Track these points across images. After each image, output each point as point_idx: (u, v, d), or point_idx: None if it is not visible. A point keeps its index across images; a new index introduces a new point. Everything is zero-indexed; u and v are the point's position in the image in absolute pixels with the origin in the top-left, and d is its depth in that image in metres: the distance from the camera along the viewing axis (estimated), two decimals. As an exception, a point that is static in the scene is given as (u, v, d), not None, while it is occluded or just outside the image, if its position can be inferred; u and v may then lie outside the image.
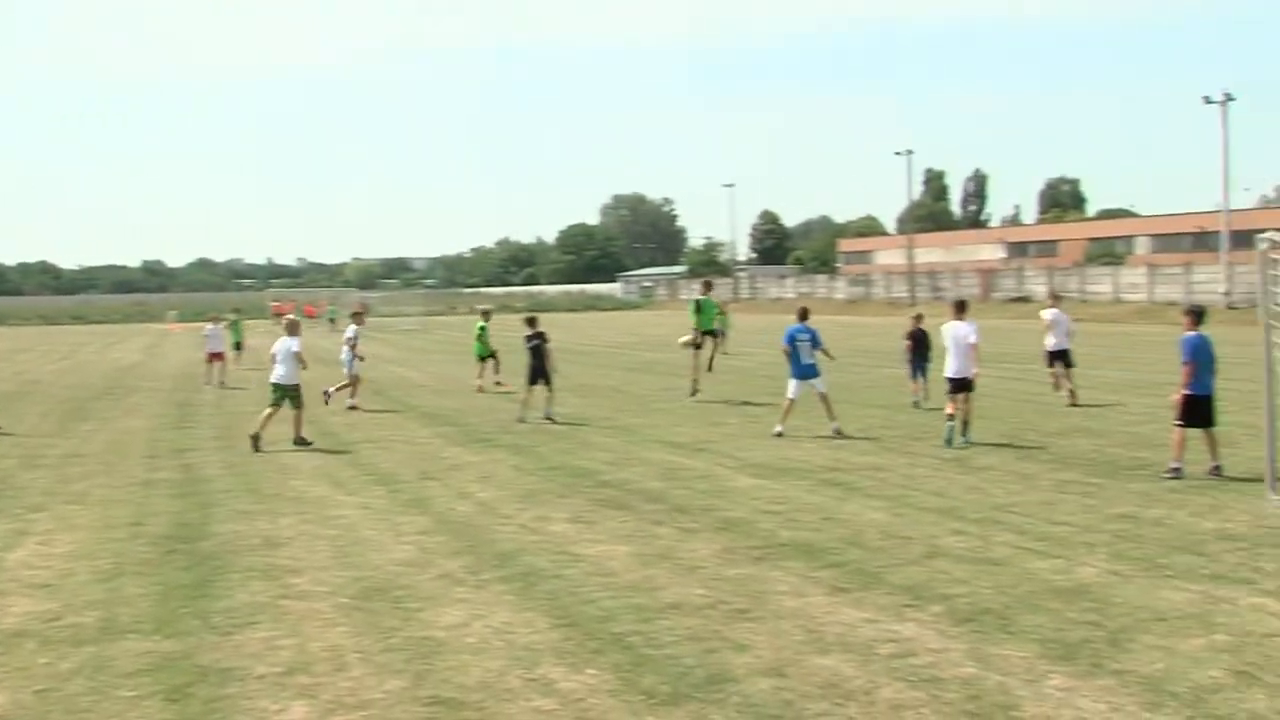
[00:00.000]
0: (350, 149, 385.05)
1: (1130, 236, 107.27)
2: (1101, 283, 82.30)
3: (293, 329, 21.42)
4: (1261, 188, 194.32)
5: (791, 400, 21.04)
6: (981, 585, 10.23)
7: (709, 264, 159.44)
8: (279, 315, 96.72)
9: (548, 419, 23.34)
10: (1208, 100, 67.55)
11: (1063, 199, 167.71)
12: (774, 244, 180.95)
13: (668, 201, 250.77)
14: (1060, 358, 25.12)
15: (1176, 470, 15.48)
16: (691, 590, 10.28)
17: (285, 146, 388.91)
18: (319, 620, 9.66)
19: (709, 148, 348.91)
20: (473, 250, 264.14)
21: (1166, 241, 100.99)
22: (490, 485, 16.18)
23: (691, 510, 13.99)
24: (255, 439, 20.21)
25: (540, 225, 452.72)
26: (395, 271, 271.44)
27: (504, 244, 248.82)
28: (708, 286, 31.43)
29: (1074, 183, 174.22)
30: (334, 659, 8.67)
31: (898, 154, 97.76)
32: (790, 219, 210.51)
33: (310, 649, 8.91)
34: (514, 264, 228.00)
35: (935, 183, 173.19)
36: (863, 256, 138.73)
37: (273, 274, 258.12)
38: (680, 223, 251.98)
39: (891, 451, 18.49)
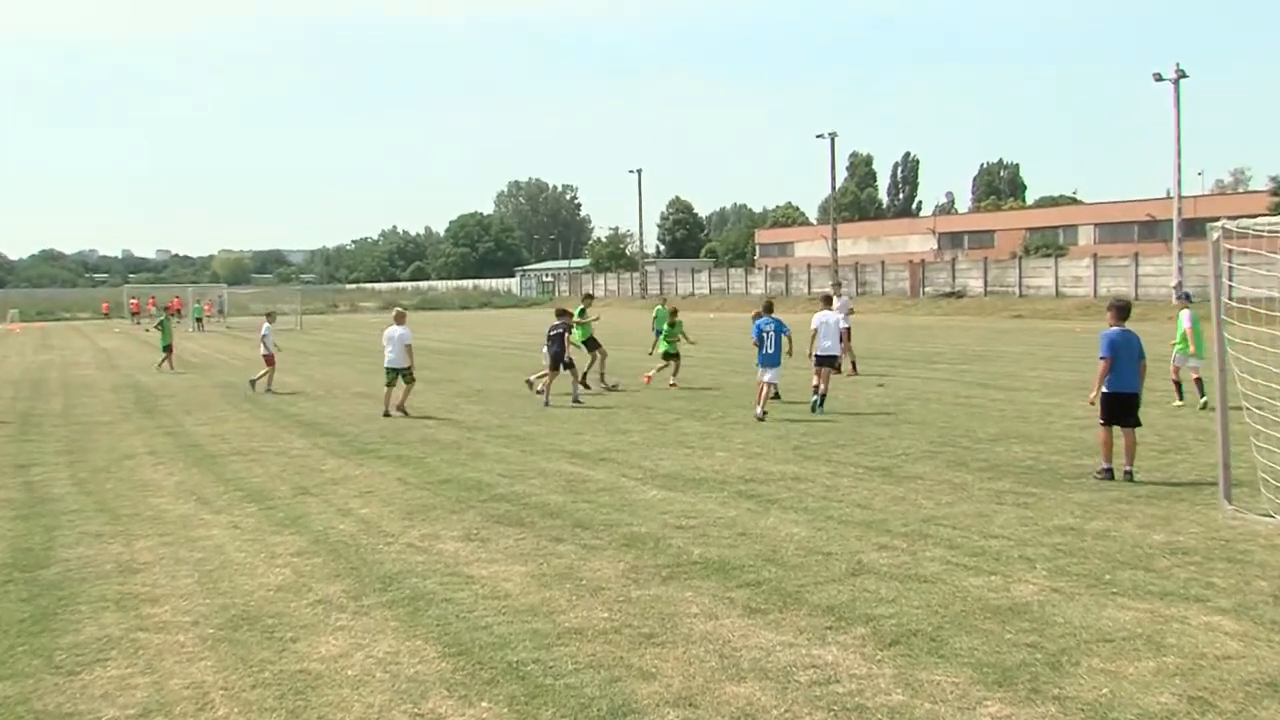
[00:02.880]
0: (217, 131, 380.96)
1: (1073, 226, 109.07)
2: (1042, 276, 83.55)
3: (400, 319, 26.56)
4: (1216, 172, 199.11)
5: (763, 383, 23.97)
6: (910, 605, 10.33)
7: (615, 257, 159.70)
8: (136, 314, 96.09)
9: (575, 400, 27.26)
10: (1159, 77, 68.70)
11: (1000, 185, 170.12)
12: (686, 235, 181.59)
13: (569, 189, 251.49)
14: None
15: (1107, 471, 16.07)
16: (594, 613, 10.27)
17: (143, 128, 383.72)
18: (180, 654, 9.51)
19: (615, 130, 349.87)
20: (355, 242, 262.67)
21: (1113, 231, 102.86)
22: (374, 501, 16.06)
23: (594, 526, 13.98)
24: (386, 414, 25.80)
25: (430, 215, 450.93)
26: (269, 265, 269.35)
27: (389, 235, 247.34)
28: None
29: (1012, 168, 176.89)
30: (196, 697, 8.54)
31: (820, 137, 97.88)
32: (703, 207, 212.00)
33: (169, 687, 8.77)
34: (401, 257, 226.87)
35: (861, 168, 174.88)
36: (782, 248, 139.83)
37: (130, 268, 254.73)
38: (584, 212, 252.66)
39: (812, 460, 18.60)
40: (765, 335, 23.80)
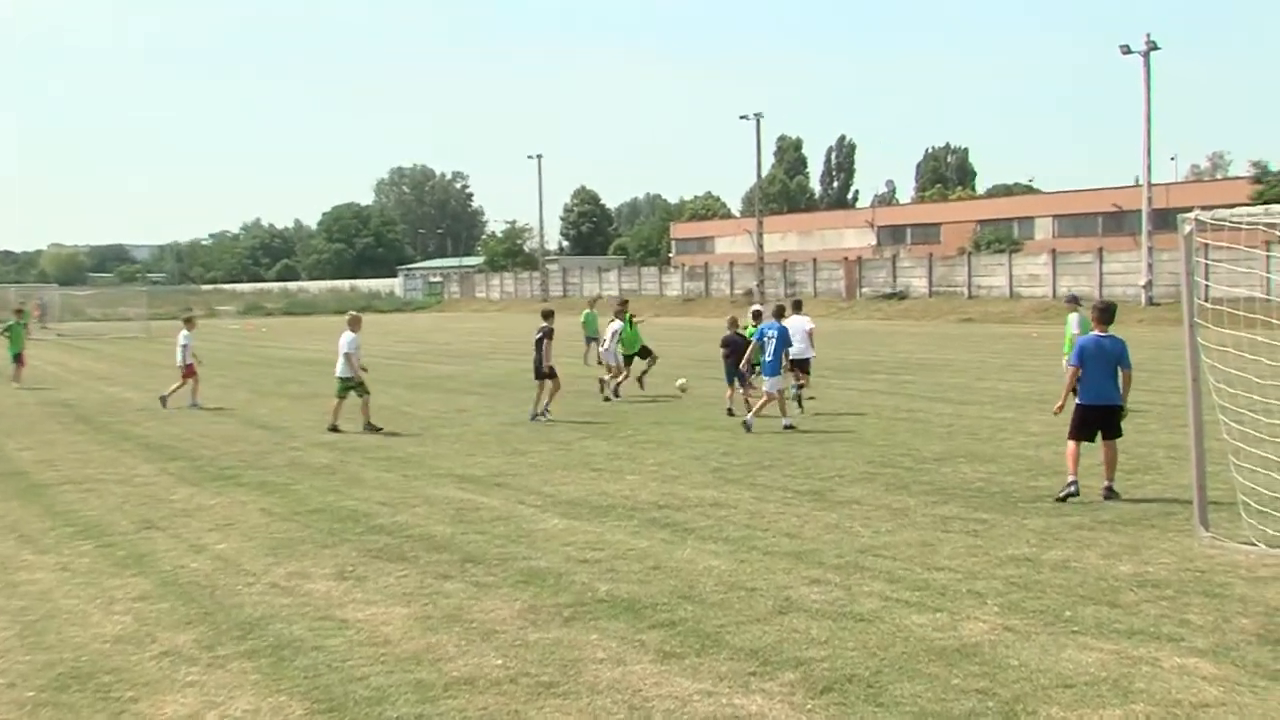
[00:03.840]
0: (46, 110, 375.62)
1: (1030, 218, 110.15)
2: (994, 274, 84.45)
3: (354, 325, 27.07)
4: (1191, 156, 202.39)
5: (769, 395, 25.09)
6: (844, 646, 10.37)
7: (512, 254, 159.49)
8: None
9: (541, 415, 27.58)
10: (1127, 50, 69.66)
11: (947, 173, 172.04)
12: (592, 229, 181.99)
13: (460, 176, 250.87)
14: (798, 366, 28.34)
15: (1073, 485, 16.50)
16: (486, 660, 10.22)
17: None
18: (-4, 719, 9.36)
19: (512, 111, 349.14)
20: (212, 237, 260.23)
21: (1074, 223, 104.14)
22: (233, 535, 15.89)
23: (487, 560, 13.95)
24: (333, 428, 26.33)
25: (299, 206, 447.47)
26: (108, 263, 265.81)
27: (252, 229, 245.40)
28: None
29: (961, 153, 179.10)
30: (17, 768, 8.41)
31: (744, 118, 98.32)
32: (612, 198, 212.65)
33: (-18, 759, 8.63)
34: (265, 254, 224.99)
35: (790, 154, 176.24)
36: (701, 244, 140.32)
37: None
38: (476, 203, 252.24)
39: (734, 484, 18.68)
40: (766, 341, 25.21)
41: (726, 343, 27.81)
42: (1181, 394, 15.83)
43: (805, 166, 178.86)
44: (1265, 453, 15.16)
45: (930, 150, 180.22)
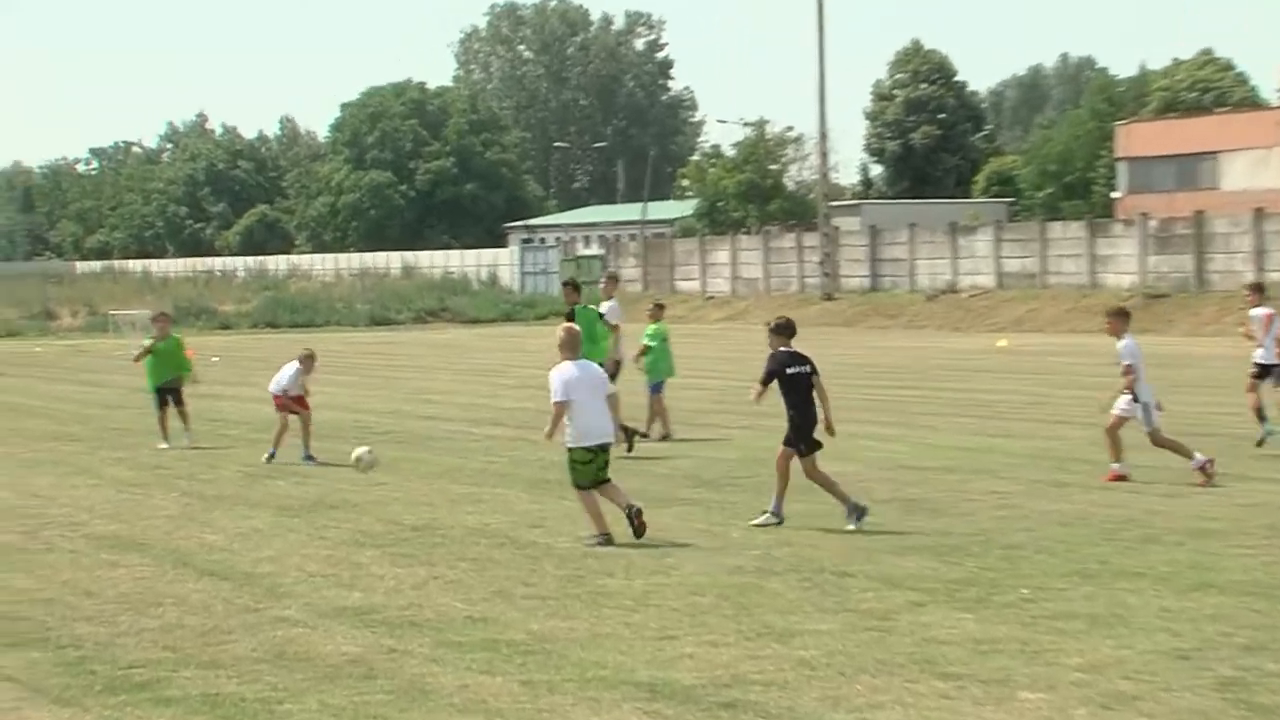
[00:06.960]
0: None
1: None
2: None
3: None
4: None
5: None
6: None
7: (757, 196, 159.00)
8: None
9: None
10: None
11: None
12: (939, 139, 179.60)
13: (643, 22, 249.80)
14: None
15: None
16: None
17: None
18: None
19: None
20: (96, 156, 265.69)
21: None
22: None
23: None
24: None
25: (292, 94, 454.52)
26: None
27: (191, 138, 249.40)
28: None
29: None
30: None
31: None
32: (979, 75, 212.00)
33: None
34: (217, 190, 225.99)
35: None
36: (1187, 169, 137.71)
37: None
38: (677, 84, 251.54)
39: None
40: None
41: None
42: None
43: None
44: None
45: None
